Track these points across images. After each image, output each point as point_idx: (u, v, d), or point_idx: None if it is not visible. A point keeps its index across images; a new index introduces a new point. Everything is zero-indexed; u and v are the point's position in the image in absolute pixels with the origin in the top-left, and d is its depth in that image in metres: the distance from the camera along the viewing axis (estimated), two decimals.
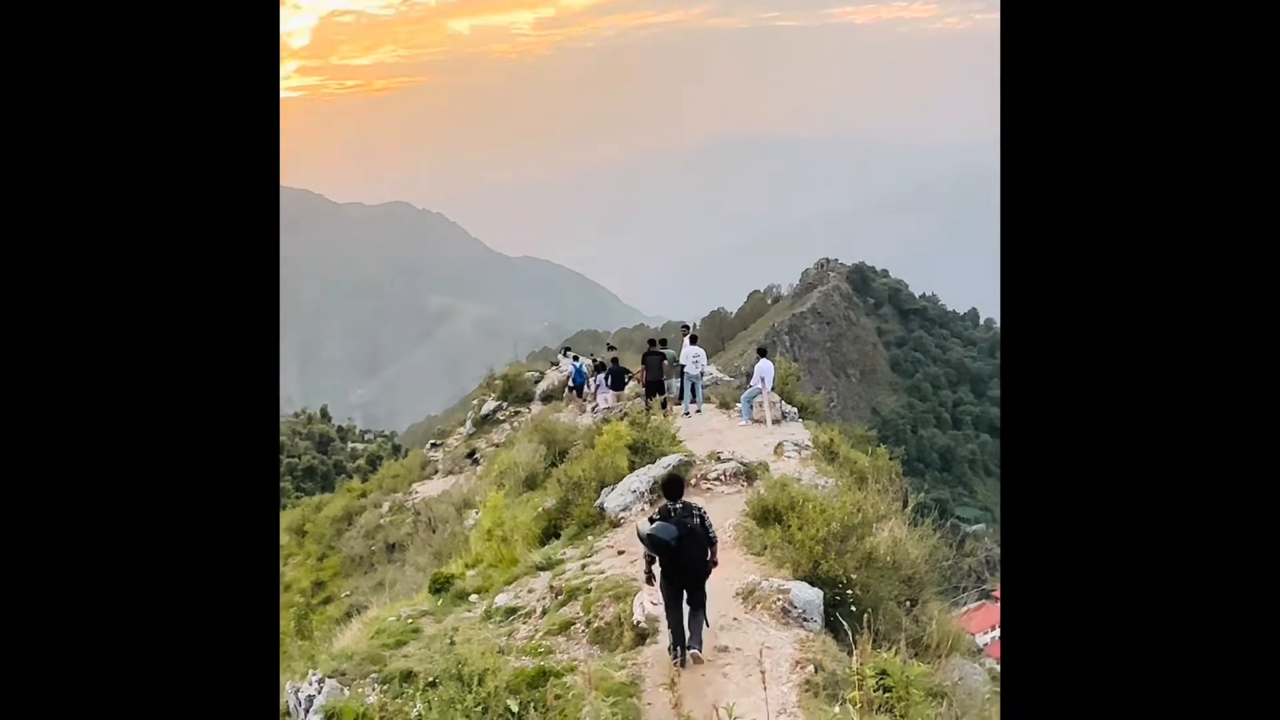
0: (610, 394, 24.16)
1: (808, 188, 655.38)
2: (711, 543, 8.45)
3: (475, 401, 35.80)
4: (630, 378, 23.54)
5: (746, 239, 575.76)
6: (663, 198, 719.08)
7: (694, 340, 21.17)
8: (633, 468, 14.05)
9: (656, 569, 8.34)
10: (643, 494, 12.94)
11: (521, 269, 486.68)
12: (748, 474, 13.11)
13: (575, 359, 27.14)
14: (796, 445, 15.47)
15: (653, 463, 13.77)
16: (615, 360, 24.50)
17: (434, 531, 21.37)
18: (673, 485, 8.68)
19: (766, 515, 10.50)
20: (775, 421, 18.11)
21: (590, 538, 12.49)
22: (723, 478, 13.22)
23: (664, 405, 20.38)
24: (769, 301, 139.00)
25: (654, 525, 8.27)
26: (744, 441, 15.89)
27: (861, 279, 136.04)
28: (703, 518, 8.38)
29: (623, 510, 12.75)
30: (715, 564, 8.58)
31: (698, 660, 8.14)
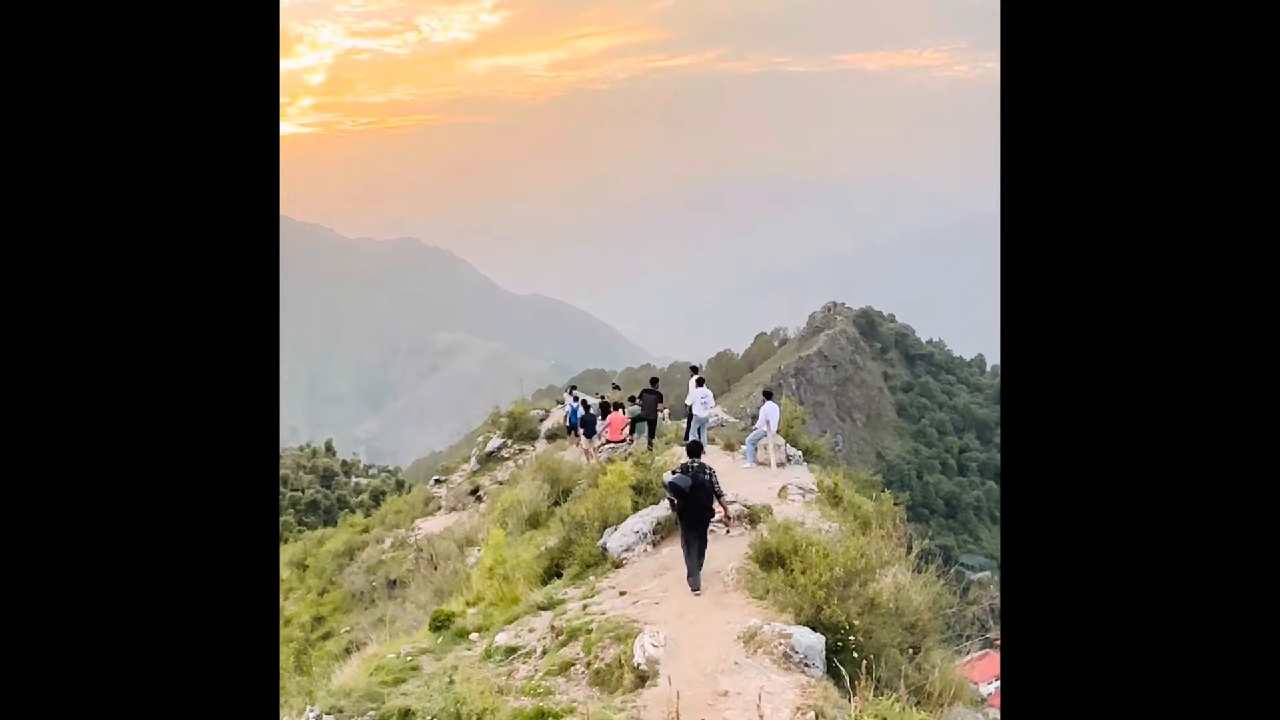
0: (584, 440, 24.34)
1: (817, 232, 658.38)
2: (718, 496, 11.21)
3: (480, 438, 35.83)
4: (606, 427, 23.77)
5: (754, 281, 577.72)
6: (671, 239, 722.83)
7: (700, 382, 21.22)
8: (636, 508, 14.01)
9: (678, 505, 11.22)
10: (646, 535, 12.89)
11: (529, 307, 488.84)
12: (751, 517, 13.06)
13: (577, 399, 27.19)
14: (801, 489, 15.40)
15: (656, 504, 13.73)
16: (602, 400, 24.69)
17: (435, 568, 21.30)
18: (694, 448, 11.56)
19: (769, 559, 10.46)
20: (780, 465, 18.05)
21: (592, 578, 12.44)
22: (727, 520, 13.17)
23: (649, 444, 20.40)
24: (775, 344, 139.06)
25: (675, 475, 11.20)
26: (748, 484, 15.83)
27: (868, 323, 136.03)
28: (711, 475, 11.13)
29: (625, 551, 12.71)
30: (729, 519, 12.18)
31: (695, 588, 10.75)
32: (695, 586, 10.78)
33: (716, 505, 11.29)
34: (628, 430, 23.15)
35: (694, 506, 11.06)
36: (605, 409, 24.84)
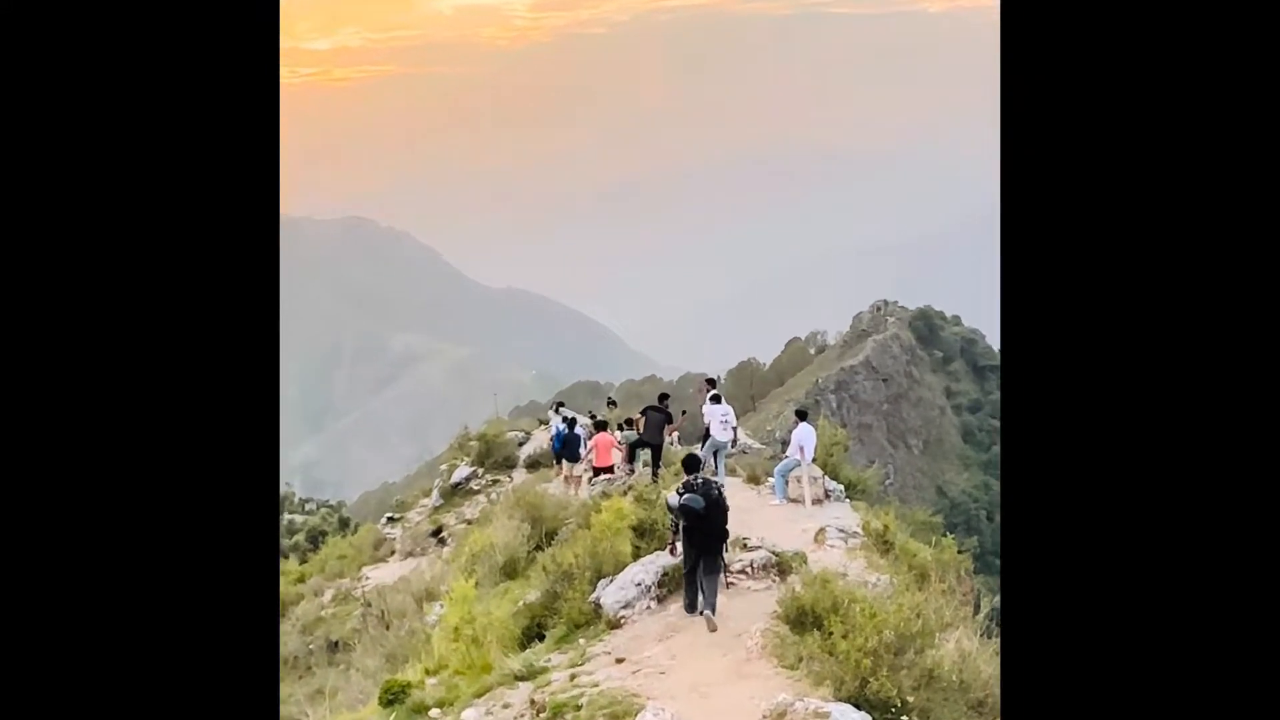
0: (566, 464, 24.40)
1: (862, 212, 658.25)
2: (725, 511, 12.10)
3: (444, 466, 35.86)
4: (592, 450, 23.80)
5: (784, 274, 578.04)
6: (681, 221, 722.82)
7: (718, 399, 21.21)
8: (638, 555, 14.01)
9: (679, 540, 12.31)
10: (649, 588, 12.89)
11: (506, 304, 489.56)
12: (780, 566, 13.06)
13: (565, 418, 27.19)
14: (842, 532, 15.41)
15: (662, 549, 13.72)
16: (593, 418, 24.81)
17: (388, 628, 21.27)
18: (691, 462, 12.73)
19: (803, 619, 10.43)
20: (816, 501, 18.07)
21: (583, 641, 12.43)
22: (750, 570, 13.17)
23: (655, 475, 20.37)
24: (811, 351, 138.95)
25: (684, 497, 11.84)
26: (777, 525, 15.85)
27: (927, 327, 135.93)
28: (720, 489, 12.14)
29: (624, 608, 12.70)
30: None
31: (711, 625, 11.58)
32: (706, 608, 11.80)
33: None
34: (621, 456, 23.10)
35: (709, 528, 11.84)
36: (601, 428, 24.80)
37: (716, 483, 12.28)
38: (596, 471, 23.52)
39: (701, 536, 11.83)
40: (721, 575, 12.10)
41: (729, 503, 12.37)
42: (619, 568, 13.68)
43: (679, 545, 12.36)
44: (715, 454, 20.38)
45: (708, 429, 20.71)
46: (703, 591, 11.91)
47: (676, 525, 12.35)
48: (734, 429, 21.37)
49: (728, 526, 12.10)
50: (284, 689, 24.01)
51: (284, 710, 21.31)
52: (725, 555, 12.32)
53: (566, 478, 25.11)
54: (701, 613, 11.83)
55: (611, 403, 37.96)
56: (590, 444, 24.02)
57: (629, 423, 24.33)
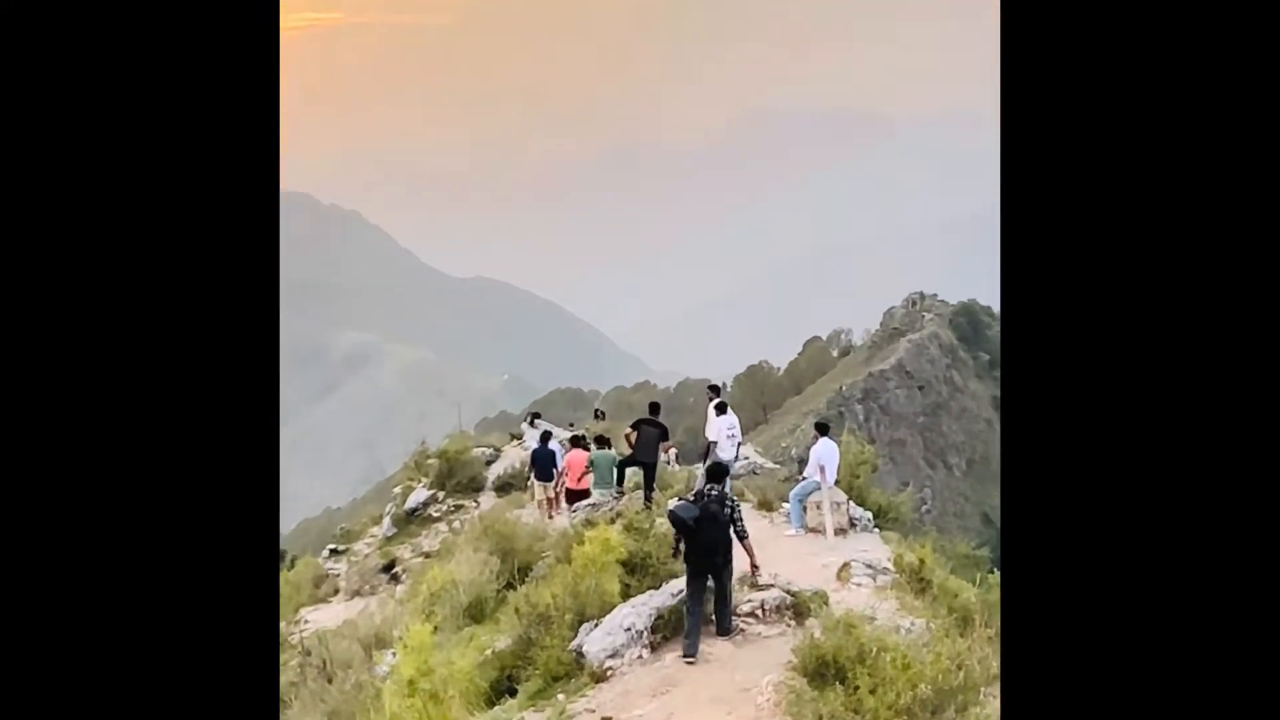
0: (538, 485, 24.45)
1: (890, 187, 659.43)
2: (739, 537, 12.71)
3: (398, 489, 35.90)
4: (563, 469, 24.00)
5: (800, 262, 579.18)
6: (678, 200, 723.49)
7: (722, 409, 21.22)
8: (628, 594, 14.00)
9: (683, 546, 12.80)
10: (641, 634, 12.87)
11: (473, 296, 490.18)
12: (797, 608, 13.07)
13: (540, 431, 27.23)
14: (870, 567, 15.43)
15: (656, 587, 13.72)
16: (574, 436, 24.96)
17: (330, 681, 21.24)
18: (717, 471, 13.64)
19: (824, 670, 10.44)
20: (840, 531, 18.09)
21: (562, 696, 12.44)
22: (761, 613, 13.17)
23: (647, 500, 20.40)
24: (834, 353, 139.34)
25: (679, 504, 12.73)
26: (793, 559, 15.87)
27: (971, 324, 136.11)
28: (732, 506, 12.69)
29: (611, 657, 12.69)
30: (755, 568, 13.50)
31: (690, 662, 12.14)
32: (689, 653, 12.17)
33: (739, 548, 12.80)
34: (592, 479, 23.18)
35: (701, 543, 12.43)
36: (577, 443, 24.92)
37: (732, 498, 12.82)
38: (570, 496, 23.71)
39: (694, 556, 12.46)
40: (716, 609, 12.64)
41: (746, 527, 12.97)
42: (605, 610, 13.67)
43: (682, 552, 12.93)
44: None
45: (709, 445, 20.73)
46: (715, 617, 12.64)
47: (677, 543, 13.12)
48: (738, 444, 21.38)
49: (728, 550, 12.57)
50: None
51: None
52: (727, 586, 12.79)
53: (541, 502, 25.14)
54: (684, 657, 12.18)
55: (599, 414, 37.99)
56: (563, 463, 24.14)
57: (601, 442, 24.34)
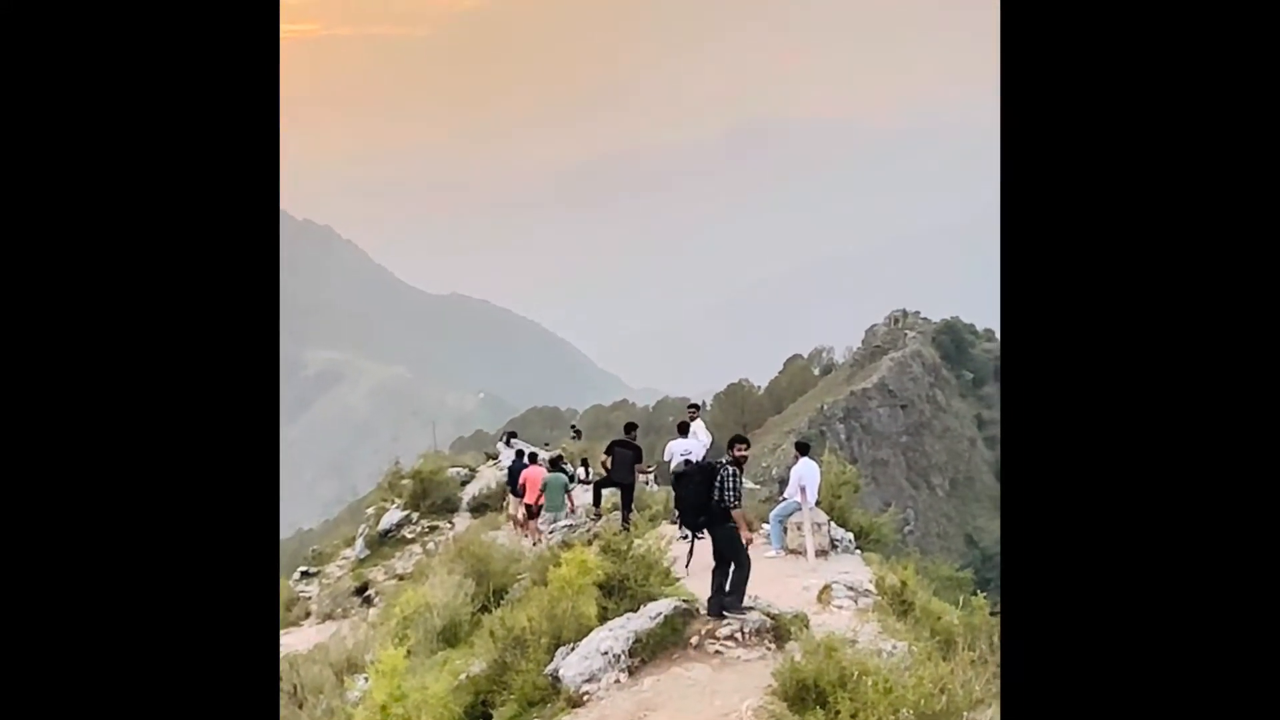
0: (514, 501, 24.70)
1: (872, 202, 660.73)
2: (727, 505, 13.43)
3: (371, 510, 35.81)
4: (521, 485, 24.81)
5: (781, 279, 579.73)
6: (657, 214, 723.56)
7: (685, 429, 21.34)
8: (604, 618, 13.99)
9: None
10: (619, 657, 12.86)
11: (448, 313, 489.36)
12: (777, 631, 13.08)
13: (517, 450, 27.27)
14: (851, 589, 15.45)
15: (634, 610, 13.71)
16: (555, 456, 25.24)
17: (301, 706, 21.16)
18: (738, 441, 14.45)
19: (804, 695, 10.45)
20: (820, 553, 18.12)
21: None
22: (740, 636, 13.17)
23: (625, 521, 20.48)
24: (815, 372, 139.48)
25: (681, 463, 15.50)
26: (773, 581, 15.87)
27: (954, 343, 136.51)
28: (722, 477, 13.50)
29: (587, 682, 12.67)
30: (747, 528, 14.02)
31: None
32: (712, 608, 13.46)
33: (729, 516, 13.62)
34: (544, 499, 23.68)
35: (681, 498, 14.38)
36: (555, 465, 25.13)
37: (719, 466, 13.74)
38: (529, 512, 24.40)
39: (683, 510, 14.55)
40: (732, 571, 13.52)
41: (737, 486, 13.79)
42: (582, 633, 13.65)
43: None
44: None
45: (686, 462, 20.82)
46: (712, 588, 13.64)
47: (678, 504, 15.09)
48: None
49: (710, 515, 13.68)
50: None
51: None
52: (724, 567, 13.66)
53: (516, 519, 25.23)
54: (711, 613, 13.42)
55: (576, 433, 37.96)
56: (521, 480, 24.81)
57: (559, 467, 24.70)
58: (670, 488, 21.42)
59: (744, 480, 14.21)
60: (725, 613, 13.23)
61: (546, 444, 39.23)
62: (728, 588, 13.42)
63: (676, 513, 15.66)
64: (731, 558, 13.49)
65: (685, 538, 19.64)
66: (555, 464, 25.03)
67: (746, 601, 13.92)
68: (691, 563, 17.37)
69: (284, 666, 24.99)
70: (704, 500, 13.70)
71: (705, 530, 14.04)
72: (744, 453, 14.42)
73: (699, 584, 15.08)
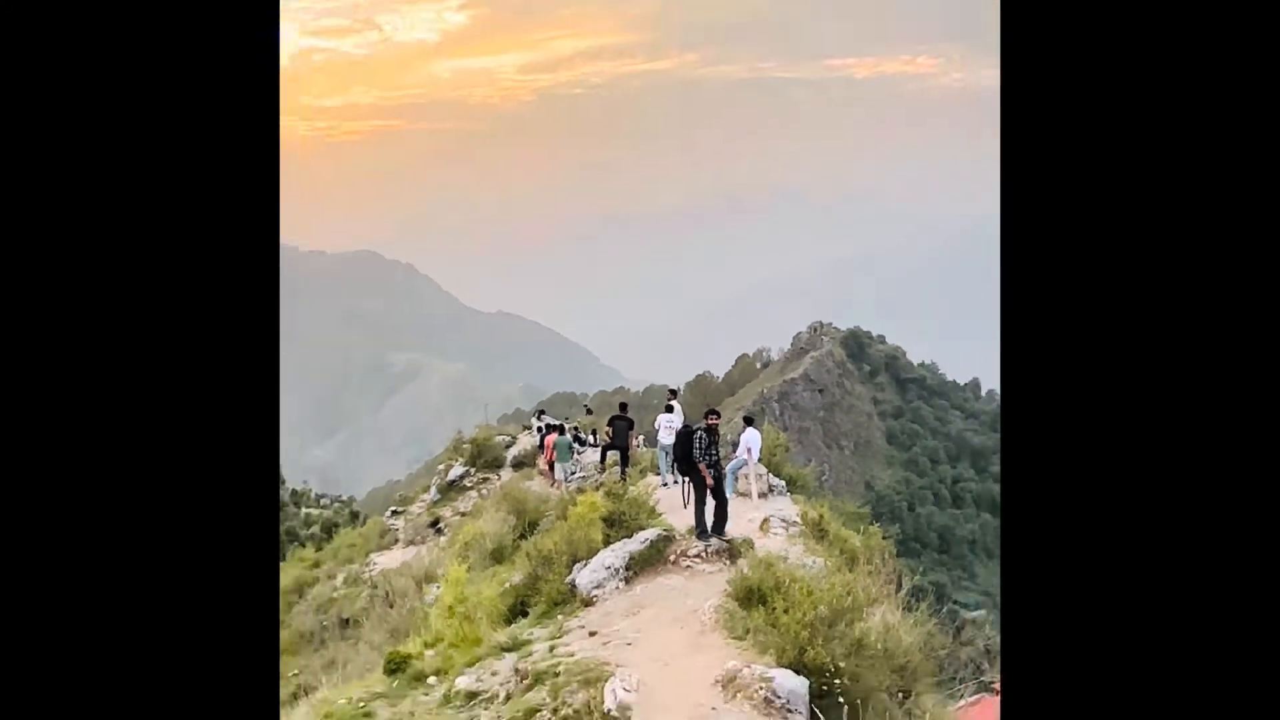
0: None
1: (803, 247, 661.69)
2: (695, 459, 13.61)
3: (441, 466, 35.62)
4: (548, 447, 25.54)
5: (736, 299, 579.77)
6: (649, 254, 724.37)
7: (669, 409, 21.34)
8: (608, 542, 13.96)
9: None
10: (618, 571, 12.85)
11: (496, 326, 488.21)
12: (731, 552, 13.05)
13: (546, 423, 27.38)
14: (784, 521, 15.42)
15: (629, 537, 13.70)
16: (573, 427, 25.57)
17: (391, 606, 21.12)
18: (711, 413, 14.58)
19: (750, 596, 10.43)
20: (761, 495, 18.08)
21: (560, 617, 12.37)
22: (704, 555, 13.16)
23: (622, 473, 20.55)
24: (758, 366, 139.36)
25: (683, 428, 14.77)
26: (731, 515, 15.83)
27: (857, 344, 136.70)
28: (700, 439, 13.71)
29: (595, 588, 12.65)
30: (709, 484, 13.67)
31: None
32: (698, 531, 13.51)
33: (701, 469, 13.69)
34: (555, 455, 24.51)
35: (676, 453, 14.47)
36: (551, 430, 25.77)
37: (704, 434, 13.85)
38: (551, 466, 24.90)
39: (674, 458, 14.89)
40: (716, 501, 13.67)
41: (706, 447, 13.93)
42: (591, 553, 13.63)
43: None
44: (667, 453, 20.43)
45: (657, 431, 20.93)
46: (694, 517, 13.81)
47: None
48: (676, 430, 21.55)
49: (692, 466, 13.81)
50: (300, 661, 23.76)
51: (300, 680, 21.09)
52: (709, 500, 13.74)
53: (544, 474, 25.36)
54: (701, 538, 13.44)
55: (588, 410, 37.88)
56: (546, 443, 25.58)
57: (576, 435, 25.24)
58: (656, 448, 21.60)
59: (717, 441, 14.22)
60: (715, 537, 13.26)
61: (566, 418, 39.03)
62: (713, 520, 13.48)
63: (659, 466, 15.67)
64: (715, 498, 13.57)
65: (665, 485, 19.78)
66: (560, 430, 25.46)
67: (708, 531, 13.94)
68: (674, 500, 17.43)
69: (379, 578, 24.95)
70: (685, 454, 13.78)
71: (688, 475, 14.02)
72: (715, 421, 14.46)
73: (677, 519, 15.08)
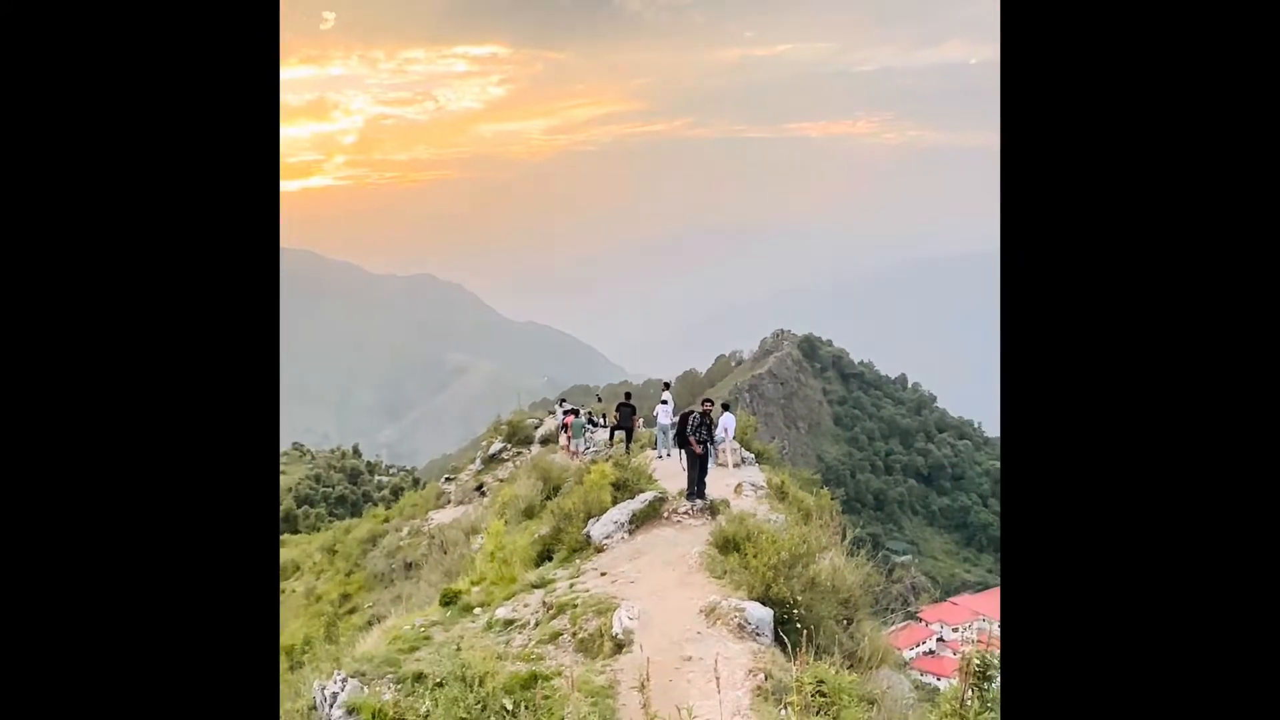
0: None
1: (768, 271, 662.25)
2: (689, 437, 13.58)
3: (484, 443, 35.56)
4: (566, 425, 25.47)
5: (716, 312, 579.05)
6: (646, 276, 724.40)
7: (665, 400, 21.36)
8: (615, 502, 13.96)
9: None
10: (623, 525, 12.85)
11: (526, 333, 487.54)
12: (712, 509, 13.05)
13: (567, 411, 27.34)
14: (753, 486, 15.42)
15: (632, 498, 13.69)
16: (589, 412, 25.69)
17: (445, 553, 21.12)
18: (705, 400, 14.80)
19: (727, 545, 10.43)
20: (736, 465, 18.05)
21: (577, 561, 12.37)
22: (690, 512, 13.16)
23: (626, 448, 20.54)
24: (733, 364, 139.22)
25: (684, 412, 14.36)
26: (710, 483, 15.82)
27: (810, 347, 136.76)
28: (693, 422, 13.70)
29: (605, 538, 12.65)
30: (699, 453, 13.57)
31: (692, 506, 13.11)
32: (688, 494, 13.34)
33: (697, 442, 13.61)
34: (573, 434, 24.43)
35: (675, 432, 14.53)
36: (592, 423, 25.60)
37: (690, 416, 13.92)
38: (570, 442, 24.54)
39: (676, 435, 14.44)
40: (700, 471, 13.50)
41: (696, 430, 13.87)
42: (602, 511, 13.62)
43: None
44: (663, 432, 20.42)
45: (656, 416, 20.92)
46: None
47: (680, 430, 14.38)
48: (671, 413, 21.48)
49: (685, 442, 13.73)
50: (373, 596, 23.76)
51: (374, 610, 21.09)
52: (698, 470, 13.58)
53: (564, 448, 25.29)
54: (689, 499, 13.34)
55: (599, 399, 37.81)
56: (566, 424, 25.23)
57: (589, 418, 25.34)
58: (654, 429, 21.64)
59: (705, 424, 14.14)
60: (700, 498, 13.24)
61: (582, 404, 38.99)
62: (698, 485, 13.49)
63: (656, 443, 15.58)
64: (699, 470, 13.52)
65: (660, 457, 19.76)
66: (577, 414, 25.33)
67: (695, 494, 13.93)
68: (677, 469, 17.42)
69: (436, 530, 24.94)
70: (680, 431, 13.85)
71: (683, 448, 13.92)
72: (709, 407, 14.57)
73: (670, 484, 15.08)
